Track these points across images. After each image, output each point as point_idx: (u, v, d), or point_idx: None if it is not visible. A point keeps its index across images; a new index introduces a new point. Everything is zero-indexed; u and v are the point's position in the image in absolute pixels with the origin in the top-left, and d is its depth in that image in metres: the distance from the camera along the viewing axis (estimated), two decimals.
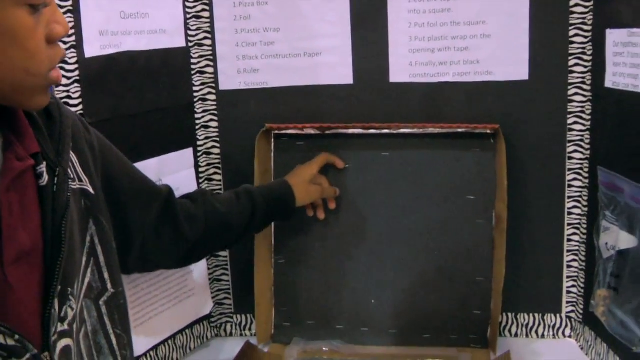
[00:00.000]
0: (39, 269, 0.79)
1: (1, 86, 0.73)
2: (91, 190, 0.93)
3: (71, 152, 0.90)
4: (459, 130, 1.41)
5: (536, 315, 1.48)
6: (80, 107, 1.22)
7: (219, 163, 1.52)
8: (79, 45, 1.22)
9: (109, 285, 0.93)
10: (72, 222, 0.84)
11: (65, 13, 1.19)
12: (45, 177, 0.82)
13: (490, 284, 1.42)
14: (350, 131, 1.46)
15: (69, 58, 1.20)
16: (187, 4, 1.43)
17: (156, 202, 1.17)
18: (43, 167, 0.82)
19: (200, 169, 1.50)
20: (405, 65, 1.43)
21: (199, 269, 1.48)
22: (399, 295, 1.46)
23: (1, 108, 0.80)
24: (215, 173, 1.52)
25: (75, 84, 1.22)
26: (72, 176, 0.88)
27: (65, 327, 0.81)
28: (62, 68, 1.20)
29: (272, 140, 1.50)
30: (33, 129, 0.83)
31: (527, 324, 1.49)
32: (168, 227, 1.18)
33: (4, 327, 0.71)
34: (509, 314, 1.49)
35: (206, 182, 1.51)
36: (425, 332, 1.45)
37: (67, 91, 1.20)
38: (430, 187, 1.44)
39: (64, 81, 1.20)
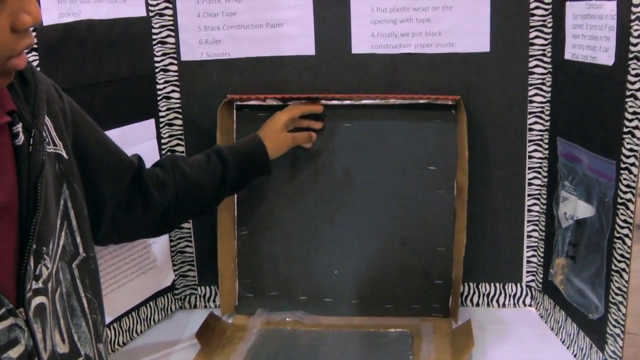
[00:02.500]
0: (15, 226, 0.80)
1: None
2: (65, 155, 0.94)
3: (46, 117, 0.90)
4: (421, 101, 1.42)
5: (497, 284, 1.50)
6: None
7: (181, 134, 1.51)
8: None
9: (81, 250, 0.94)
10: (47, 184, 0.86)
11: None
12: (21, 137, 0.83)
13: (452, 254, 1.43)
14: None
15: None
16: None
17: (127, 174, 1.17)
18: (19, 127, 0.83)
19: (163, 140, 1.49)
20: (367, 37, 1.43)
21: (161, 241, 1.48)
22: (361, 265, 1.47)
23: None
24: (177, 145, 1.51)
25: (33, 53, 1.19)
26: (47, 139, 0.89)
27: (40, 285, 0.82)
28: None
29: (235, 111, 1.49)
30: (10, 92, 0.84)
31: (488, 294, 1.51)
32: (138, 197, 1.19)
33: None
34: (471, 284, 1.51)
35: (169, 152, 1.50)
36: (388, 302, 1.46)
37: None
38: (391, 158, 1.44)
39: None
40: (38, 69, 1.20)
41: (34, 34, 1.18)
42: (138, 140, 1.41)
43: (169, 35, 1.47)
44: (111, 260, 1.35)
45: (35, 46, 1.20)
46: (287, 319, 1.45)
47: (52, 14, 1.23)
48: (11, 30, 0.74)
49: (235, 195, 1.49)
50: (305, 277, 1.49)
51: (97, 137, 1.11)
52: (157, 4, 1.44)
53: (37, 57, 1.20)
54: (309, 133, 1.43)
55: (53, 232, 0.87)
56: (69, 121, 1.00)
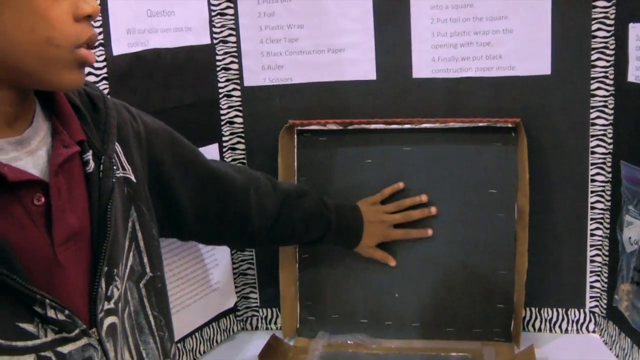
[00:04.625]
0: (87, 250, 0.83)
1: (28, 61, 0.75)
2: (133, 178, 0.97)
3: (116, 143, 0.94)
4: (480, 124, 1.41)
5: (559, 310, 1.48)
6: None
7: (243, 158, 1.54)
8: (107, 44, 1.25)
9: (148, 269, 0.97)
10: (116, 208, 0.89)
11: None
12: (92, 165, 0.86)
13: (513, 278, 1.42)
14: (373, 126, 1.47)
15: (98, 56, 1.23)
16: (212, 2, 1.45)
17: (225, 194, 1.23)
18: (89, 155, 0.86)
19: None
20: (428, 61, 1.44)
21: (224, 263, 1.51)
22: (422, 288, 1.47)
23: (46, 97, 0.85)
24: None
25: (104, 81, 1.24)
26: (116, 165, 0.92)
27: (112, 305, 0.85)
28: (90, 66, 1.23)
29: (296, 135, 1.52)
30: (79, 120, 0.88)
31: (551, 319, 1.49)
32: (233, 218, 1.25)
33: (55, 303, 0.75)
34: (533, 309, 1.49)
35: None
36: (449, 326, 1.46)
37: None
38: (452, 181, 1.44)
39: (93, 78, 1.23)
40: (108, 96, 1.25)
41: (104, 63, 1.25)
42: None
43: (232, 62, 1.50)
44: (176, 282, 1.38)
45: (106, 74, 1.25)
46: (349, 342, 1.46)
47: (122, 44, 1.28)
48: (74, 19, 0.76)
49: None
50: (366, 300, 1.50)
51: (181, 155, 1.16)
52: (221, 32, 1.48)
53: (107, 85, 1.24)
54: (386, 256, 1.47)
55: (122, 254, 0.90)
56: (143, 142, 1.04)
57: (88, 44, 0.79)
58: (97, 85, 1.23)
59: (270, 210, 1.29)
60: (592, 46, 1.37)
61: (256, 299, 1.59)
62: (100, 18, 1.23)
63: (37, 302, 0.74)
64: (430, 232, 1.44)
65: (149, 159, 1.05)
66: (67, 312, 0.76)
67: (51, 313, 0.75)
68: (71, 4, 0.76)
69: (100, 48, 1.23)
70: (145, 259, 0.97)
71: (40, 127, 0.82)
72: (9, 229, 0.74)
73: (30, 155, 0.79)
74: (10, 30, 0.72)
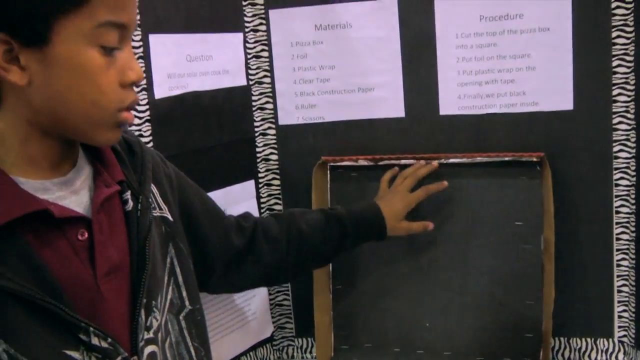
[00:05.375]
0: (127, 282, 0.90)
1: (75, 119, 0.81)
2: (170, 217, 1.03)
3: (152, 184, 1.01)
4: (506, 158, 1.46)
5: (588, 339, 1.51)
6: (151, 144, 1.33)
7: (279, 194, 1.61)
8: (149, 88, 1.33)
9: (187, 303, 1.02)
10: (155, 244, 0.95)
11: (136, 59, 1.31)
12: (130, 203, 0.93)
13: (541, 307, 1.46)
14: (402, 162, 1.52)
15: (141, 100, 1.32)
16: (248, 45, 1.53)
17: (232, 231, 1.26)
18: (128, 195, 0.93)
19: (262, 200, 1.59)
20: (454, 99, 1.50)
21: (261, 294, 1.57)
22: (452, 318, 1.51)
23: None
24: (275, 203, 1.61)
25: (147, 123, 1.33)
26: (153, 205, 0.98)
27: (151, 335, 0.91)
28: (134, 109, 1.32)
29: (328, 171, 1.58)
30: (118, 162, 0.95)
31: (580, 348, 1.52)
32: (248, 254, 1.27)
33: (98, 331, 0.81)
34: (562, 339, 1.52)
35: (267, 211, 1.60)
36: (479, 355, 1.49)
37: (140, 130, 1.32)
38: (479, 214, 1.49)
39: (137, 121, 1.31)
40: (150, 137, 1.34)
41: (147, 106, 1.33)
42: (239, 200, 1.52)
43: (267, 102, 1.58)
44: (214, 312, 1.45)
45: (149, 117, 1.33)
46: None
47: (163, 88, 1.36)
48: (120, 85, 0.83)
49: None
50: (398, 330, 1.54)
51: (202, 200, 1.21)
52: (257, 74, 1.56)
53: (149, 127, 1.33)
54: (423, 223, 1.45)
55: (161, 287, 0.96)
56: (174, 186, 1.10)
57: (129, 107, 0.86)
58: (141, 127, 1.32)
59: (278, 236, 1.30)
60: (613, 82, 1.41)
61: (292, 328, 1.65)
62: (143, 64, 1.32)
63: (81, 330, 0.80)
64: (445, 183, 1.45)
65: (180, 202, 1.11)
66: (109, 339, 0.82)
67: (95, 341, 0.81)
68: (119, 71, 0.82)
69: (143, 92, 1.32)
70: (184, 293, 1.02)
71: (83, 169, 0.90)
72: (55, 262, 0.80)
73: (74, 194, 0.86)
74: (64, 91, 0.79)
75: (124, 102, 0.84)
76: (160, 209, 1.02)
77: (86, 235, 0.84)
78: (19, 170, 0.81)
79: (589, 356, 1.51)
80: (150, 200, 0.97)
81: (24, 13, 0.74)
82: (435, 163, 1.49)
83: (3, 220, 0.76)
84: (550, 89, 1.45)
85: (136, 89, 1.31)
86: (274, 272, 1.31)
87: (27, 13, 0.74)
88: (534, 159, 1.46)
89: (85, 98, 0.80)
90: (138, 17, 1.31)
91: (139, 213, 0.93)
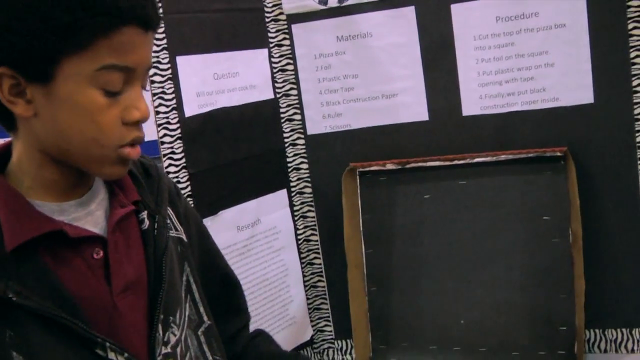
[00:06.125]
0: (145, 299, 0.91)
1: (76, 155, 0.82)
2: (185, 238, 1.04)
3: (168, 207, 1.02)
4: (530, 155, 1.49)
5: (623, 330, 1.52)
6: (183, 160, 1.40)
7: (311, 201, 1.66)
8: (179, 107, 1.40)
9: (205, 318, 1.03)
10: (172, 262, 0.97)
11: (165, 80, 1.38)
12: (147, 223, 0.95)
13: (573, 300, 1.47)
14: (429, 164, 1.56)
15: (172, 119, 1.38)
16: (273, 60, 1.59)
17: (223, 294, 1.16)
18: (144, 215, 0.95)
19: (295, 208, 1.64)
20: (476, 99, 1.53)
21: (298, 299, 1.62)
22: (485, 314, 1.54)
23: None
24: (308, 210, 1.66)
25: (178, 141, 1.39)
26: (169, 225, 1.00)
27: (169, 350, 0.92)
28: (165, 127, 1.38)
29: (357, 177, 1.62)
30: (135, 184, 0.97)
31: (615, 339, 1.52)
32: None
33: (115, 346, 0.84)
34: (596, 331, 1.53)
35: (301, 219, 1.65)
36: (514, 350, 1.52)
37: (172, 147, 1.38)
38: (507, 210, 1.52)
39: (168, 139, 1.38)
40: (182, 154, 1.40)
41: (177, 124, 1.40)
42: (272, 210, 1.58)
43: (295, 113, 1.64)
44: (254, 317, 1.50)
45: (180, 135, 1.40)
46: None
47: (192, 106, 1.43)
48: (122, 122, 0.81)
49: (364, 254, 1.62)
50: (433, 328, 1.58)
51: (206, 245, 1.13)
52: (283, 86, 1.62)
53: (181, 145, 1.39)
54: None
55: (179, 303, 0.96)
56: (182, 218, 1.07)
57: (133, 143, 0.84)
58: (173, 144, 1.38)
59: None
60: (633, 73, 1.42)
61: (331, 331, 1.70)
62: (172, 85, 1.39)
63: (98, 345, 0.82)
64: None
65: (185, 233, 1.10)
66: (126, 354, 0.84)
67: (112, 356, 0.83)
68: (122, 108, 0.81)
69: (174, 111, 1.39)
70: (202, 309, 1.03)
71: (99, 191, 0.90)
72: (71, 280, 0.81)
73: (90, 215, 0.87)
74: (64, 128, 0.80)
75: (124, 139, 0.82)
76: (177, 230, 1.03)
77: (101, 253, 0.85)
78: (35, 194, 0.83)
79: (625, 347, 1.52)
80: (167, 220, 0.99)
81: (29, 51, 0.76)
82: None
83: (20, 241, 0.78)
84: (570, 83, 1.47)
85: (166, 109, 1.38)
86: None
87: (33, 51, 0.75)
88: (558, 154, 1.47)
89: (85, 135, 0.80)
90: (164, 41, 1.38)
91: (156, 232, 0.94)
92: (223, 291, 1.13)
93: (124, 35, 0.78)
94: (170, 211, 1.02)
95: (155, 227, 0.95)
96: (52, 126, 0.80)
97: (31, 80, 0.77)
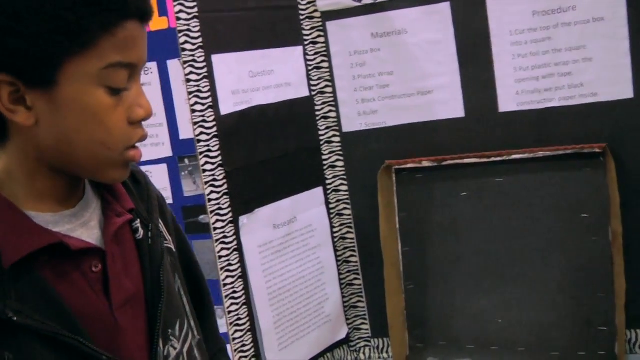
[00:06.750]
0: (144, 312, 0.88)
1: (81, 157, 0.79)
2: (174, 249, 1.01)
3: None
4: (568, 151, 1.46)
5: None
6: (219, 158, 1.41)
7: (347, 199, 1.66)
8: (215, 105, 1.41)
9: (196, 332, 1.00)
10: (168, 272, 0.94)
11: (201, 79, 1.39)
12: (141, 232, 0.91)
13: (613, 300, 1.44)
14: (465, 161, 1.55)
15: (208, 117, 1.39)
16: (308, 57, 1.59)
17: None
18: (138, 223, 0.91)
19: (331, 206, 1.64)
20: (513, 95, 1.51)
21: (334, 297, 1.62)
22: (524, 313, 1.52)
23: None
24: (344, 208, 1.66)
25: (214, 139, 1.40)
26: (162, 233, 0.97)
27: None
28: (202, 126, 1.39)
29: (393, 174, 1.62)
30: (127, 192, 0.94)
31: None
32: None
33: None
34: (638, 331, 1.49)
35: (337, 217, 1.65)
36: (554, 349, 1.49)
37: (208, 145, 1.39)
38: (545, 208, 1.49)
39: (204, 137, 1.39)
40: (219, 152, 1.41)
41: (214, 122, 1.41)
42: (308, 208, 1.58)
43: (330, 111, 1.64)
44: (289, 315, 1.51)
45: (216, 133, 1.41)
46: None
47: (228, 104, 1.44)
48: (128, 122, 0.80)
49: (401, 252, 1.61)
50: (471, 327, 1.56)
51: (185, 252, 1.11)
52: (318, 84, 1.62)
53: (217, 143, 1.40)
54: None
55: (178, 315, 0.94)
56: (171, 228, 1.06)
57: (136, 144, 0.83)
58: (209, 142, 1.39)
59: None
60: None
61: (367, 329, 1.69)
62: (207, 83, 1.40)
63: None
64: None
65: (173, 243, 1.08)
66: None
67: None
68: (127, 108, 0.79)
69: (210, 109, 1.40)
70: (192, 322, 1.00)
71: (91, 201, 0.87)
72: (70, 295, 0.78)
73: (83, 226, 0.84)
74: (71, 132, 0.77)
75: (132, 140, 0.81)
76: (167, 239, 1.00)
77: (100, 267, 0.82)
78: (29, 205, 0.80)
79: None
80: (160, 229, 0.96)
81: (30, 55, 0.72)
82: None
83: (20, 255, 0.75)
84: (609, 78, 1.44)
85: (202, 107, 1.39)
86: None
87: (34, 54, 0.72)
88: (597, 150, 1.45)
89: (93, 139, 0.78)
90: (200, 39, 1.39)
91: (150, 241, 0.91)
92: (199, 311, 1.07)
93: (127, 30, 0.76)
94: (159, 220, 0.98)
95: (150, 236, 0.91)
96: (55, 133, 0.77)
97: (32, 86, 0.74)
